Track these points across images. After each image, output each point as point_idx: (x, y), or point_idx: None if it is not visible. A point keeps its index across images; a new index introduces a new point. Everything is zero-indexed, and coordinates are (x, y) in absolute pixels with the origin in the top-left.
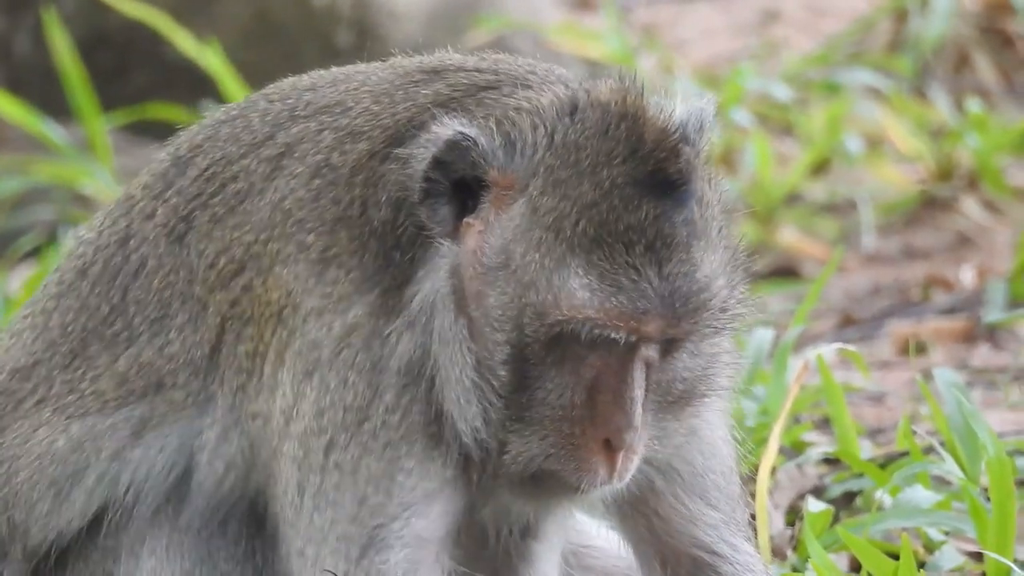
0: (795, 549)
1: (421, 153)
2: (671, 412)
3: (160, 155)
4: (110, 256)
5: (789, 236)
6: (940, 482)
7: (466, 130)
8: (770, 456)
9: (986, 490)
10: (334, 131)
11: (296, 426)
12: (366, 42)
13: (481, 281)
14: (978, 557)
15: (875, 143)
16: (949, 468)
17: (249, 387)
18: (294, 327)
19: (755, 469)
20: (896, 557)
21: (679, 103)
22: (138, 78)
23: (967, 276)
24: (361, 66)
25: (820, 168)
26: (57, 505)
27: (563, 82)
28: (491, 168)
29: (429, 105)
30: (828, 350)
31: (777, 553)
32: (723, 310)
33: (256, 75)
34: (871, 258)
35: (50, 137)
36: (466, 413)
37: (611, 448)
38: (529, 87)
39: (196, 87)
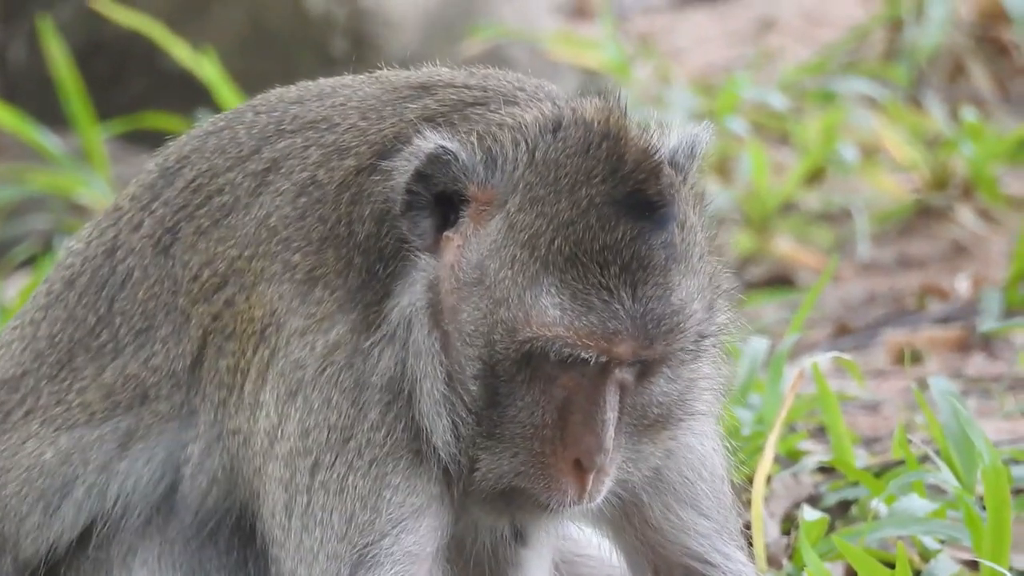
0: (791, 558)
1: (404, 166)
2: (647, 435)
3: (148, 165)
4: (97, 267)
5: (784, 245)
6: (935, 491)
7: (447, 144)
8: (765, 465)
9: (981, 499)
10: (320, 147)
11: (281, 447)
12: (361, 51)
13: (456, 296)
14: (974, 566)
15: (870, 152)
16: (944, 477)
17: (230, 403)
18: (277, 347)
19: (751, 478)
20: (892, 566)
21: (674, 129)
22: (134, 87)
23: (962, 285)
24: (348, 79)
25: (815, 177)
26: (47, 518)
27: (551, 99)
28: (471, 183)
29: (415, 120)
30: (823, 359)
31: (773, 562)
32: (700, 335)
33: (251, 83)
34: (866, 267)
35: (45, 146)
36: (436, 427)
37: (581, 469)
38: (516, 104)
39: (192, 96)
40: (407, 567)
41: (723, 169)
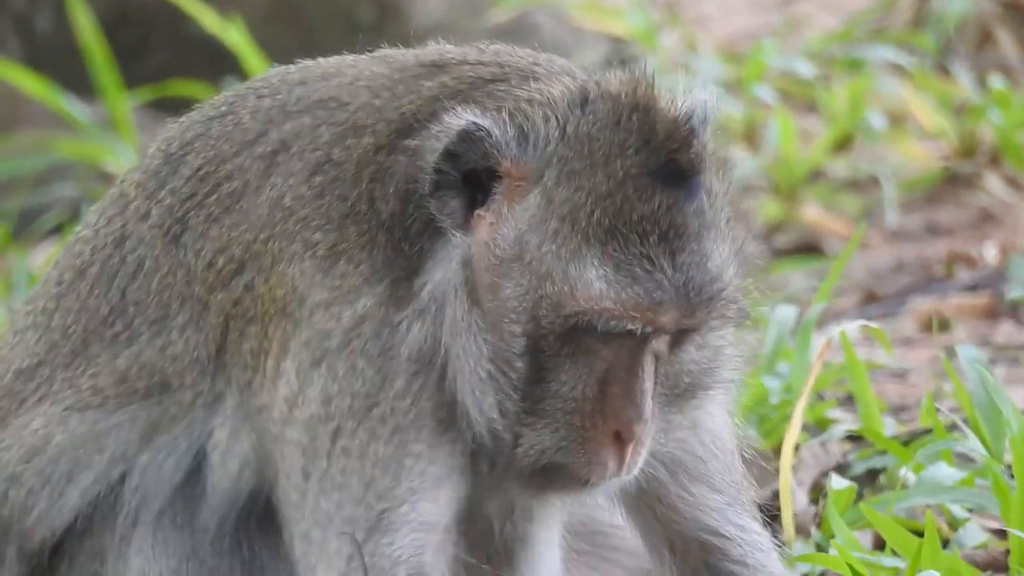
0: (819, 526)
1: (432, 144)
2: (676, 405)
3: (151, 150)
4: (107, 257)
5: (812, 213)
6: (964, 459)
7: (480, 120)
8: (793, 433)
9: (1010, 467)
10: (332, 126)
11: (301, 412)
12: (386, 20)
13: (495, 272)
14: (1002, 534)
15: (898, 120)
16: (972, 445)
17: (254, 383)
18: (299, 319)
19: (779, 447)
20: (920, 534)
21: (682, 96)
22: (160, 55)
23: (990, 253)
24: (349, 59)
25: (843, 145)
26: (52, 503)
27: (569, 73)
28: (504, 159)
29: (438, 96)
30: (851, 327)
31: (801, 530)
32: (733, 301)
33: (278, 52)
34: (894, 235)
35: (72, 114)
36: (482, 404)
37: (621, 441)
38: (537, 79)
39: (218, 64)
40: (423, 535)
41: (751, 137)
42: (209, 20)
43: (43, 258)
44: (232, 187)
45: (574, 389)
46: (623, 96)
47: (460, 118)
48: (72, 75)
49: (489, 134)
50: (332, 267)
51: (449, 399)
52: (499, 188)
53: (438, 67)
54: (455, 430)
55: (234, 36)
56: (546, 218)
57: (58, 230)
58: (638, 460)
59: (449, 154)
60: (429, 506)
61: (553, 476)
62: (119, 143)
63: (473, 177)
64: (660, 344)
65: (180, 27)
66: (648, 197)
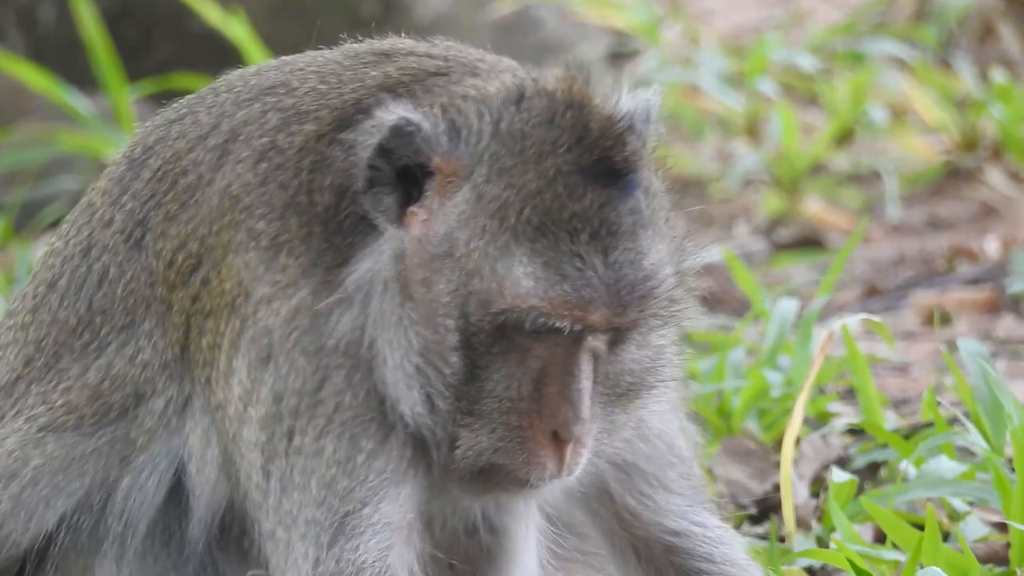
0: (820, 519)
1: (365, 140)
2: (619, 405)
3: (117, 157)
4: (75, 267)
5: (813, 206)
6: (965, 453)
7: (410, 115)
8: (795, 427)
9: (1011, 461)
10: (279, 111)
11: (256, 411)
12: (390, 13)
13: (427, 268)
14: (1003, 528)
15: (899, 113)
16: (974, 439)
17: (212, 379)
18: (246, 315)
19: (780, 440)
20: (921, 528)
21: (625, 94)
22: (163, 48)
23: (991, 246)
24: (313, 52)
25: (845, 138)
26: (26, 528)
27: (511, 71)
28: (435, 155)
29: (376, 88)
30: (852, 321)
31: (801, 523)
32: (670, 300)
33: (280, 45)
34: (895, 228)
35: (75, 107)
36: (408, 398)
37: (560, 441)
38: (477, 75)
39: (220, 57)
40: (387, 535)
41: (752, 130)
42: (212, 14)
43: (42, 253)
44: (188, 182)
45: (509, 388)
46: (558, 93)
47: (391, 113)
48: (75, 68)
49: (419, 129)
50: (274, 260)
51: (382, 392)
52: (431, 184)
53: (386, 56)
54: (400, 424)
55: (237, 30)
56: (475, 215)
57: (60, 223)
58: (579, 461)
59: (382, 150)
60: (391, 506)
61: (493, 477)
62: (121, 136)
63: (407, 173)
64: (597, 343)
65: (183, 21)
66: (579, 195)
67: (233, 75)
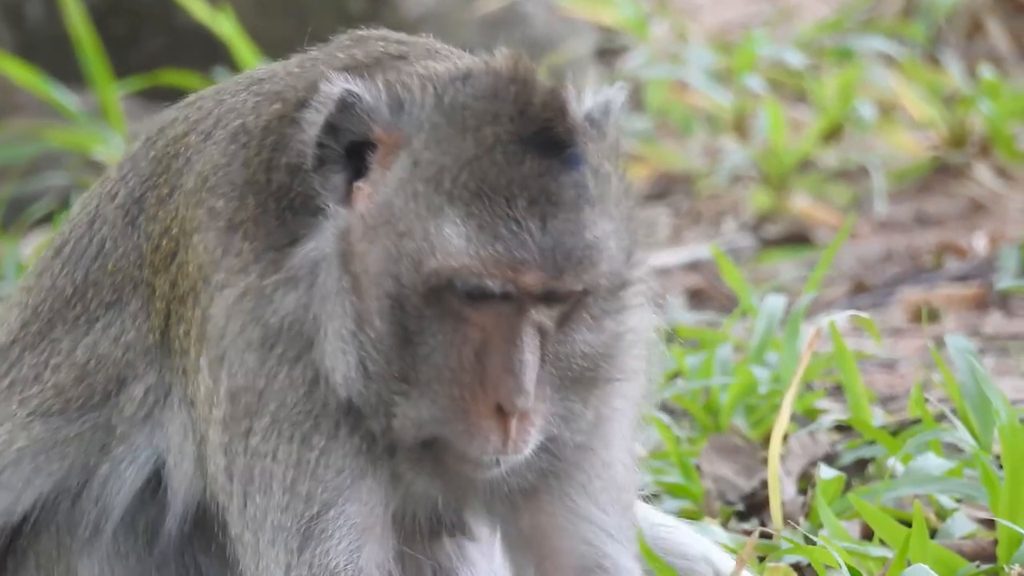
0: (807, 516)
1: (313, 117)
2: (576, 392)
3: (141, 134)
4: (80, 236)
5: (801, 203)
6: (952, 449)
7: (351, 87)
8: (782, 423)
9: (998, 457)
10: (256, 96)
11: (217, 412)
12: (378, 9)
13: (365, 240)
14: (990, 524)
15: (888, 110)
16: (961, 435)
17: (187, 370)
18: (205, 305)
19: (767, 436)
20: (908, 524)
21: (589, 90)
22: (151, 45)
23: (979, 243)
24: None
25: (833, 135)
26: (6, 506)
27: (468, 57)
28: (376, 125)
29: (338, 69)
30: (840, 317)
31: (789, 520)
32: (616, 277)
33: (269, 41)
34: (883, 225)
35: (62, 103)
36: (342, 364)
37: (503, 414)
38: (433, 58)
39: (209, 53)
40: (356, 537)
41: (740, 127)
42: (200, 10)
43: (33, 247)
44: (178, 166)
45: (448, 357)
46: (504, 70)
47: (335, 87)
48: (63, 64)
49: (360, 100)
50: (231, 243)
51: (324, 375)
52: (374, 157)
53: (358, 42)
54: (350, 415)
55: (225, 26)
56: (411, 179)
57: (48, 219)
58: (527, 439)
59: (329, 127)
60: (355, 506)
61: (440, 454)
62: (109, 132)
63: (355, 151)
64: (542, 317)
65: (171, 17)
66: (518, 162)
67: (249, 71)
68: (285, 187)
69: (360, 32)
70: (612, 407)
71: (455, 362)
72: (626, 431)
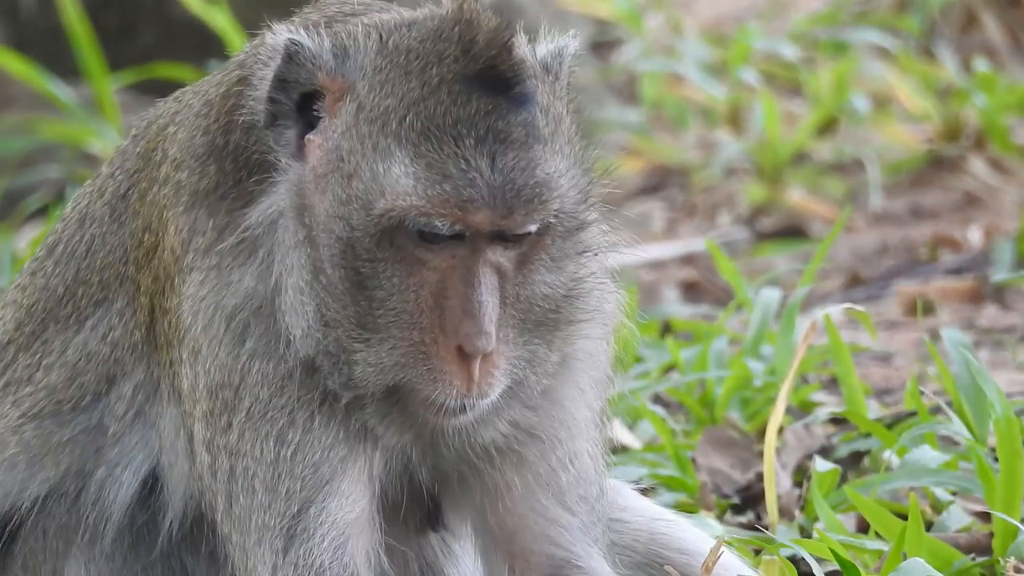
0: (802, 509)
1: (263, 72)
2: (539, 335)
3: (132, 130)
4: (71, 235)
5: (796, 196)
6: (948, 442)
7: (294, 36)
8: (777, 416)
9: (993, 450)
10: (223, 71)
11: (199, 408)
12: None
13: (316, 189)
14: (985, 517)
15: (882, 102)
16: (956, 428)
17: (173, 362)
18: (180, 291)
19: (763, 429)
20: (903, 517)
21: (543, 38)
22: (145, 37)
23: (974, 236)
24: None
25: (827, 127)
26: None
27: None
28: (320, 72)
29: (276, 24)
30: (835, 310)
31: (784, 513)
32: (567, 214)
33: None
34: (878, 218)
35: (57, 96)
36: (302, 317)
37: (466, 356)
38: (384, 12)
39: (203, 46)
40: (340, 532)
41: (735, 120)
42: (194, 2)
43: (27, 240)
44: (156, 159)
45: (405, 301)
46: (448, 12)
47: (278, 37)
48: (57, 57)
49: (303, 47)
50: (196, 221)
51: (301, 364)
52: (323, 106)
53: (316, 7)
54: (325, 403)
55: (219, 18)
56: (357, 123)
57: (43, 212)
58: (491, 382)
59: (278, 81)
60: (336, 500)
61: (405, 402)
62: (104, 125)
63: (306, 103)
64: (500, 258)
65: (165, 9)
66: (464, 102)
67: None
68: (241, 147)
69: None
70: (576, 348)
71: (413, 305)
72: (587, 441)
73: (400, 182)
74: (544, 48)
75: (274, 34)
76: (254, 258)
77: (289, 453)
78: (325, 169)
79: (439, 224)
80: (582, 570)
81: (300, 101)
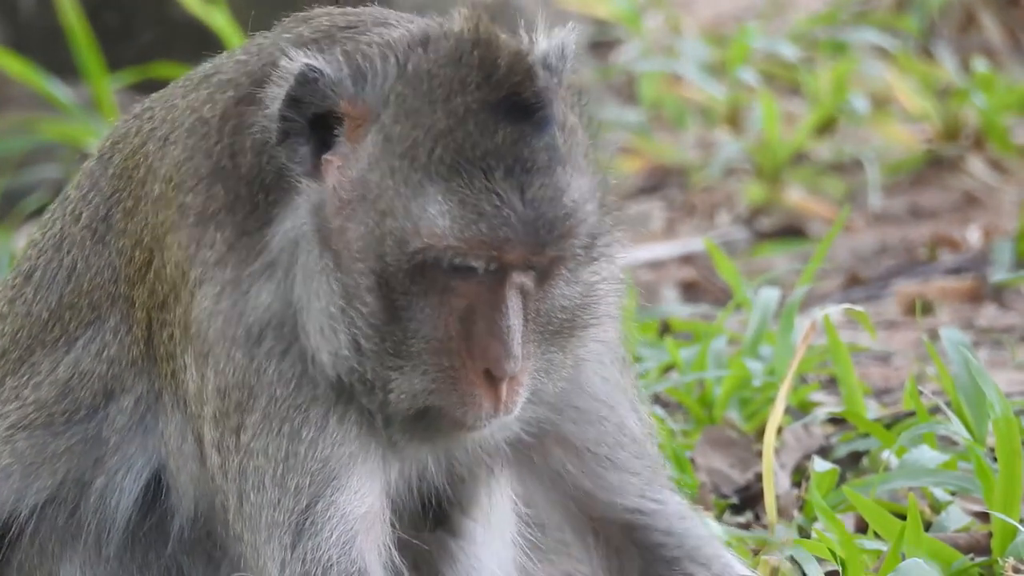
0: (801, 509)
1: (275, 92)
2: (556, 344)
3: (93, 150)
4: (48, 261)
5: (795, 195)
6: (947, 442)
7: (312, 62)
8: (776, 416)
9: (992, 450)
10: (209, 87)
11: (208, 409)
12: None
13: (342, 215)
14: (984, 517)
15: (881, 102)
16: (955, 428)
17: (175, 372)
18: (187, 303)
19: (762, 429)
20: (902, 517)
21: (541, 34)
22: (144, 37)
23: (973, 236)
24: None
25: (826, 127)
26: None
27: (421, 21)
28: (341, 99)
29: (283, 45)
30: (834, 310)
31: (783, 513)
32: (593, 236)
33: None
34: (877, 218)
35: (55, 96)
36: (330, 343)
37: (493, 379)
38: (385, 25)
39: (202, 46)
40: (348, 527)
41: (734, 120)
42: (193, 2)
43: (26, 240)
44: (140, 176)
45: (436, 328)
46: (464, 33)
47: (295, 62)
48: (55, 57)
49: (323, 74)
50: (203, 236)
51: (310, 359)
52: (342, 130)
53: (304, 20)
54: (340, 401)
55: (218, 18)
56: (385, 155)
57: (41, 212)
58: (516, 399)
59: (291, 100)
60: (345, 495)
61: (433, 422)
62: (102, 125)
63: (320, 122)
64: (524, 279)
65: (164, 9)
66: (491, 132)
67: (194, 70)
68: (254, 168)
69: (305, 13)
70: (588, 350)
71: (442, 333)
72: (625, 404)
73: (436, 221)
74: (544, 45)
75: (290, 57)
76: (273, 276)
77: (302, 449)
78: (351, 196)
79: (475, 263)
80: (658, 513)
81: (313, 119)
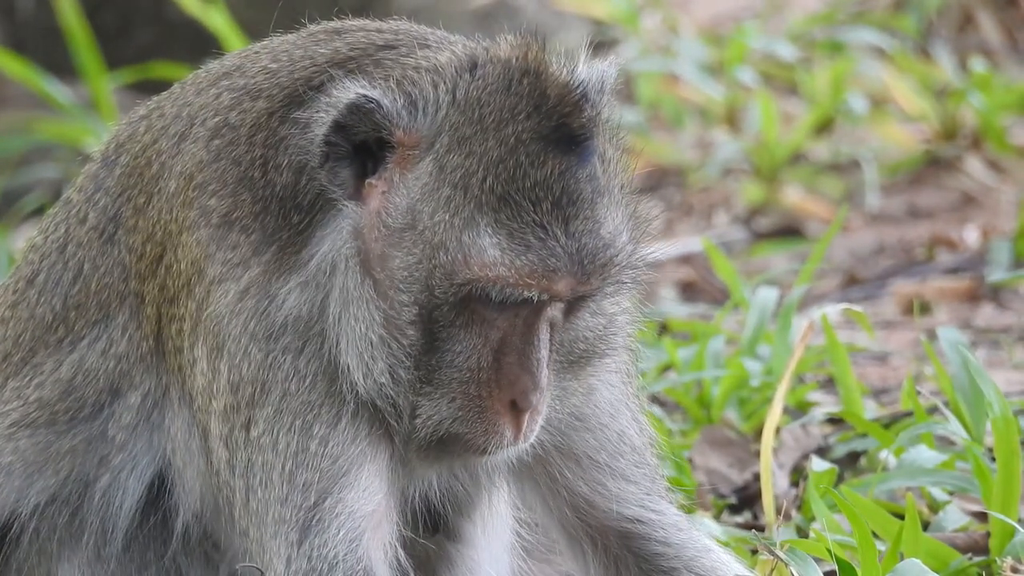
0: (799, 509)
1: (321, 117)
2: (571, 372)
3: (94, 154)
4: (52, 264)
5: (793, 195)
6: (944, 442)
7: (368, 92)
8: (774, 416)
9: (991, 450)
10: (232, 91)
11: (217, 403)
12: (371, 2)
13: (386, 242)
14: (982, 517)
15: (879, 102)
16: (953, 428)
17: (183, 366)
18: (200, 298)
19: (760, 429)
20: (901, 517)
21: (581, 64)
22: (142, 37)
23: (971, 236)
24: (275, 37)
25: (824, 127)
26: None
27: (461, 42)
28: (397, 129)
29: (325, 64)
30: (832, 310)
31: (781, 513)
32: (628, 267)
33: (260, 34)
34: (875, 218)
35: (54, 95)
36: (372, 369)
37: (517, 410)
38: (427, 46)
39: (200, 46)
40: (355, 526)
41: (732, 120)
42: (191, 2)
43: (24, 239)
44: (152, 172)
45: (469, 359)
46: (513, 60)
47: (348, 91)
48: (54, 56)
49: (380, 106)
50: (225, 237)
51: (335, 368)
52: (392, 157)
53: (337, 34)
54: (348, 401)
55: (216, 18)
56: (439, 186)
57: (40, 211)
58: (534, 428)
59: (338, 126)
60: (353, 493)
61: (450, 445)
62: (101, 125)
63: (364, 147)
64: (555, 312)
65: (162, 9)
66: (540, 163)
67: (202, 68)
68: (291, 187)
69: (333, 24)
70: (599, 377)
71: (475, 363)
72: (626, 414)
73: (487, 253)
74: (584, 75)
75: (343, 87)
76: (306, 288)
77: (312, 445)
78: (398, 224)
79: (526, 295)
80: (656, 523)
81: (358, 144)
